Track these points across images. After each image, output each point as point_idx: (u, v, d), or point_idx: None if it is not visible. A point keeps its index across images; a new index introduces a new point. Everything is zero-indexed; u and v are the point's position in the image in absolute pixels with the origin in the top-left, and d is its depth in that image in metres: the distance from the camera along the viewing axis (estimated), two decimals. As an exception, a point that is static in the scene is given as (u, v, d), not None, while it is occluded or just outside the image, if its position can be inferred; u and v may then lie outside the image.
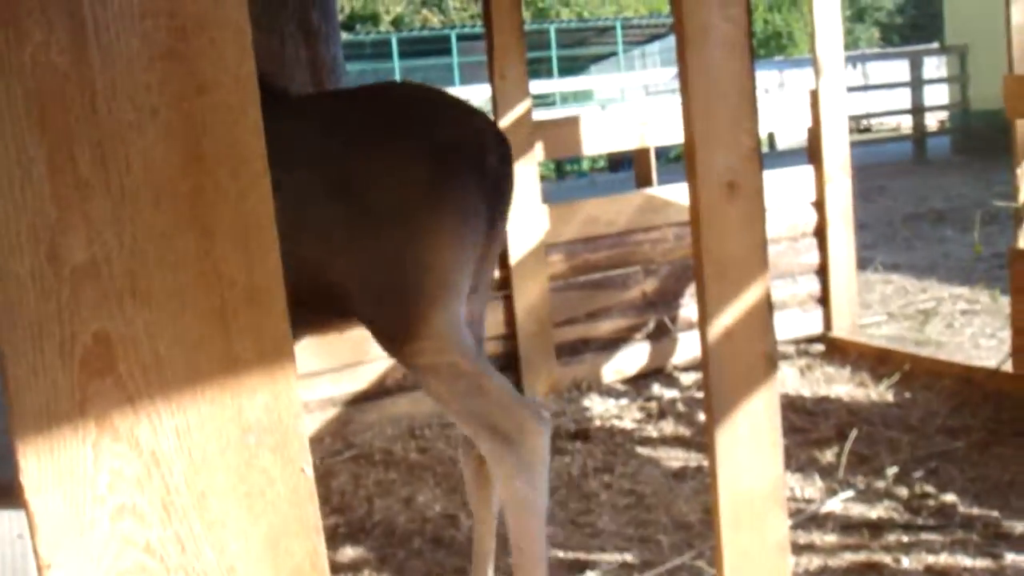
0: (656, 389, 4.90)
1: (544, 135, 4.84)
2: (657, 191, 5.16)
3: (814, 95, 5.29)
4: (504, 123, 4.65)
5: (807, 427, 4.27)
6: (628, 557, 3.26)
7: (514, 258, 4.73)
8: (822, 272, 5.45)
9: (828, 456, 3.92)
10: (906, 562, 3.07)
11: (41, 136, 0.82)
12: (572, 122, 5.01)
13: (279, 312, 0.87)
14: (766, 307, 2.35)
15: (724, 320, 2.31)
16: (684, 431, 4.38)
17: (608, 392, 4.90)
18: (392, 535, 3.57)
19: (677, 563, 3.13)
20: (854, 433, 4.03)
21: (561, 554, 3.32)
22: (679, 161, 18.30)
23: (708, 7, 2.39)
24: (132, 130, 0.84)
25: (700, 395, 4.77)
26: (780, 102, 5.43)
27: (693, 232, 2.43)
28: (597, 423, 4.52)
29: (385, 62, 20.42)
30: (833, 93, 5.28)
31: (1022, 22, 4.07)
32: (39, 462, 0.84)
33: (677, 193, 5.11)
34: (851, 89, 9.95)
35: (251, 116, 0.86)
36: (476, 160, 2.45)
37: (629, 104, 15.04)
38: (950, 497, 3.49)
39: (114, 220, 0.84)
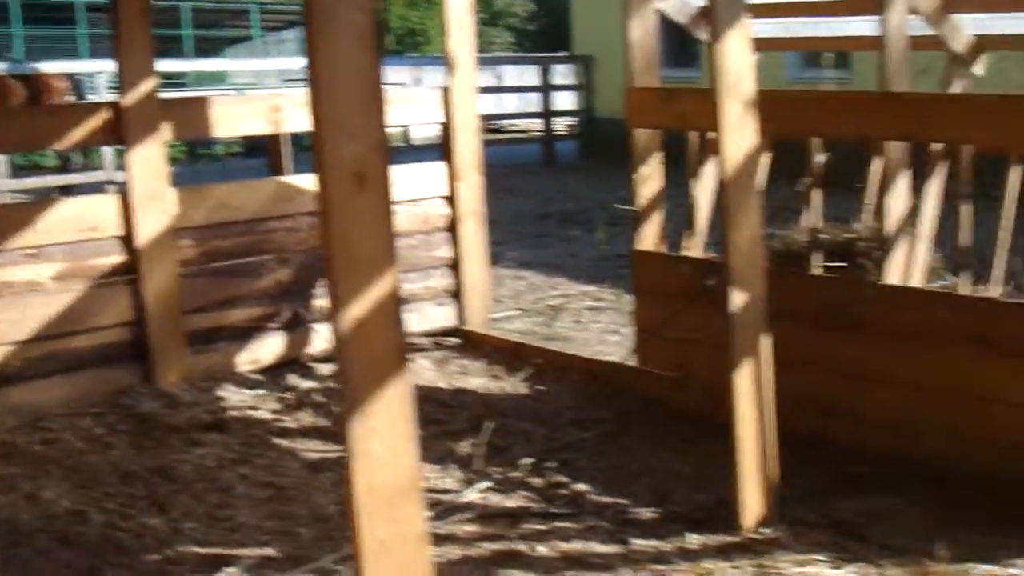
0: (293, 379, 4.82)
1: (172, 115, 4.62)
2: (291, 179, 5.08)
3: (446, 92, 5.37)
4: (129, 101, 4.38)
5: (444, 419, 4.35)
6: (269, 551, 3.18)
7: (140, 241, 4.46)
8: (455, 267, 5.54)
9: (465, 447, 4.01)
10: (542, 549, 3.18)
11: None
12: (201, 103, 4.83)
13: None
14: (395, 299, 2.32)
15: (354, 311, 2.27)
16: (322, 422, 4.33)
17: (244, 382, 4.75)
18: (16, 532, 3.27)
19: (317, 566, 3.06)
20: (491, 426, 4.12)
21: (198, 549, 3.18)
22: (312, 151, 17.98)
23: (336, -6, 2.30)
24: None
25: (337, 385, 4.75)
26: (413, 96, 5.47)
27: (322, 223, 2.35)
28: (233, 414, 4.37)
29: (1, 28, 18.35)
30: (464, 91, 5.40)
31: (638, 38, 4.35)
32: None
33: (311, 182, 5.04)
34: (485, 90, 10.28)
35: None
36: None
37: (265, 90, 14.59)
38: (581, 486, 3.66)
39: None
